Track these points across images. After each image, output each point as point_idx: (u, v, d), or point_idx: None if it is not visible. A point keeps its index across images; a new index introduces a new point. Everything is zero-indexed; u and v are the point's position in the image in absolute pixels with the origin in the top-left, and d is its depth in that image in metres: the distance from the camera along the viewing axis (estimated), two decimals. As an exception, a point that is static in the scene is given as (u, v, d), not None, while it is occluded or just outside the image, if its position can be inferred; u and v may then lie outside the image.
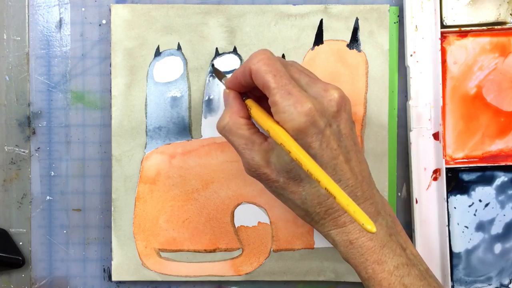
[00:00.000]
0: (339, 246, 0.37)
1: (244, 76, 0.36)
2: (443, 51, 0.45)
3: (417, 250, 0.38)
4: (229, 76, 0.39)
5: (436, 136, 0.45)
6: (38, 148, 0.46)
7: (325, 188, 0.31)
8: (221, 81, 0.42)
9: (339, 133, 0.35)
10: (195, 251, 0.45)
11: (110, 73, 0.45)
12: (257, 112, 0.37)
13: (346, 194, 0.31)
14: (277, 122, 0.34)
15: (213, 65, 0.44)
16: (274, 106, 0.34)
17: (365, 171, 0.37)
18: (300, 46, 0.45)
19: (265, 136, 0.37)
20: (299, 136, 0.34)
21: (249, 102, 0.38)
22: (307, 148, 0.34)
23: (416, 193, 0.45)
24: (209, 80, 0.45)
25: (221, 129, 0.37)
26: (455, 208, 0.45)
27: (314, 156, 0.34)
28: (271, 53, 0.36)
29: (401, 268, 0.35)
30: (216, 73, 0.43)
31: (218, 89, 0.45)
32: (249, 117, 0.38)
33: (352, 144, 0.36)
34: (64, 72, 0.46)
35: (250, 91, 0.39)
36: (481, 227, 0.46)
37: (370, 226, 0.30)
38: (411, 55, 0.44)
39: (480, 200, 0.46)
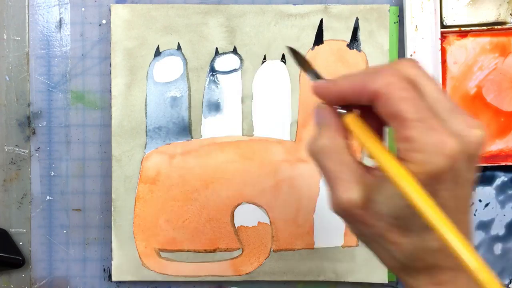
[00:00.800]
0: None
1: (358, 96, 0.28)
2: (443, 51, 0.45)
3: None
4: (321, 80, 0.30)
5: (436, 136, 0.45)
6: (38, 148, 0.46)
7: (455, 253, 0.25)
8: (306, 72, 0.32)
9: (470, 179, 0.28)
10: (195, 251, 0.45)
11: (110, 73, 0.45)
12: (365, 135, 0.28)
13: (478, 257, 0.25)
14: (401, 159, 0.27)
15: (292, 50, 0.32)
16: (408, 142, 0.26)
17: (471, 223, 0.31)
18: (300, 46, 0.45)
19: (369, 169, 0.29)
20: (430, 182, 0.26)
21: (351, 119, 0.29)
22: (433, 193, 0.26)
23: (416, 193, 0.45)
24: (209, 80, 0.45)
25: (317, 151, 0.29)
26: (455, 208, 0.45)
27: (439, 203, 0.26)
28: (415, 67, 0.28)
29: None
30: (298, 59, 0.33)
31: (218, 89, 0.45)
32: (348, 139, 0.30)
33: (471, 191, 0.29)
34: (64, 72, 0.46)
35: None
36: (481, 227, 0.46)
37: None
38: (411, 55, 0.44)
39: (480, 200, 0.46)
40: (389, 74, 0.27)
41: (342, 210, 0.29)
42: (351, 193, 0.28)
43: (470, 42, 0.45)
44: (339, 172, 0.28)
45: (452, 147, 0.26)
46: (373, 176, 0.28)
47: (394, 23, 0.45)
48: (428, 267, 0.29)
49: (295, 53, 0.33)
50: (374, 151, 0.28)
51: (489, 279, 0.24)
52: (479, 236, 0.46)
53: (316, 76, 0.31)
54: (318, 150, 0.29)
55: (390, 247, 0.28)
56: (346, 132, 0.29)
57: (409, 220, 0.27)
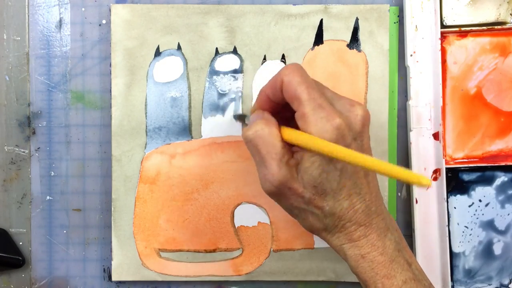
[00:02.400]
0: (350, 261, 0.37)
1: (273, 88, 0.36)
2: (443, 51, 0.45)
3: (420, 266, 0.38)
4: (248, 116, 0.40)
5: (436, 136, 0.45)
6: (38, 148, 0.46)
7: (374, 170, 0.33)
8: (244, 122, 0.43)
9: (361, 148, 0.36)
10: (195, 251, 0.45)
11: (110, 73, 0.45)
12: (288, 129, 0.36)
13: (394, 166, 0.32)
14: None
15: (235, 116, 0.45)
16: (304, 118, 0.34)
17: (377, 186, 0.38)
18: (300, 46, 0.45)
19: (291, 152, 0.36)
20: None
21: (284, 129, 0.37)
22: (334, 160, 0.34)
23: (416, 193, 0.45)
24: (209, 80, 0.45)
25: (253, 134, 0.36)
26: (455, 208, 0.45)
27: (340, 170, 0.35)
28: (301, 66, 0.36)
29: (409, 282, 0.36)
30: (238, 118, 0.44)
31: (218, 89, 0.45)
32: (280, 130, 0.37)
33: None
34: (64, 72, 0.46)
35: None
36: (481, 227, 0.46)
37: (425, 180, 0.31)
38: (411, 55, 0.44)
39: (480, 200, 0.46)
40: (292, 66, 0.35)
41: (275, 186, 0.35)
42: (283, 170, 0.35)
43: (470, 42, 0.45)
44: (271, 154, 0.35)
45: (338, 121, 0.34)
46: (294, 159, 0.36)
47: (394, 23, 0.45)
48: (344, 225, 0.36)
49: (235, 117, 0.45)
50: (296, 135, 0.35)
51: (418, 177, 0.31)
52: (479, 236, 0.46)
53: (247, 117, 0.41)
54: (254, 132, 0.36)
55: (315, 211, 0.36)
56: (277, 125, 0.36)
57: (323, 185, 0.35)
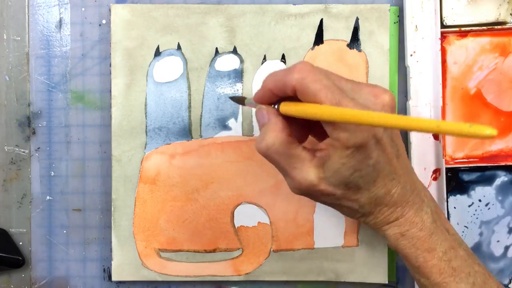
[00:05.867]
0: (389, 239, 0.37)
1: (283, 91, 0.34)
2: (443, 51, 0.45)
3: (454, 229, 0.39)
4: (249, 97, 0.38)
5: (436, 136, 0.45)
6: (38, 148, 0.46)
7: (417, 130, 0.28)
8: (244, 104, 0.40)
9: (391, 133, 0.35)
10: (195, 251, 0.45)
11: (110, 73, 0.45)
12: (287, 104, 0.34)
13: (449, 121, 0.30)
14: (337, 139, 0.33)
15: (231, 97, 0.42)
16: (332, 125, 0.32)
17: (407, 161, 0.37)
18: (300, 46, 0.45)
19: (313, 151, 0.35)
20: (360, 150, 0.33)
21: (284, 105, 0.35)
22: (366, 158, 0.33)
23: (416, 193, 0.45)
24: (209, 80, 0.45)
25: (265, 149, 0.34)
26: (454, 208, 0.45)
27: (373, 165, 0.34)
28: (312, 65, 0.33)
29: (449, 252, 0.37)
30: (236, 100, 0.42)
31: (218, 89, 0.45)
32: (292, 133, 0.35)
33: (400, 141, 0.36)
34: (64, 72, 0.46)
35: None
36: (481, 227, 0.46)
37: (489, 130, 0.25)
38: (411, 55, 0.44)
39: (480, 200, 0.46)
40: (303, 68, 0.33)
41: (303, 192, 0.35)
42: (307, 176, 0.34)
43: (470, 42, 0.45)
44: (290, 163, 0.34)
45: None
46: (318, 158, 0.34)
47: (394, 23, 0.45)
48: (381, 210, 0.36)
49: (233, 99, 0.42)
50: (315, 111, 0.32)
51: (481, 127, 0.26)
52: (479, 235, 0.46)
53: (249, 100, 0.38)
54: (267, 149, 0.34)
55: (350, 204, 0.36)
56: (287, 127, 0.34)
57: (356, 182, 0.34)
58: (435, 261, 0.36)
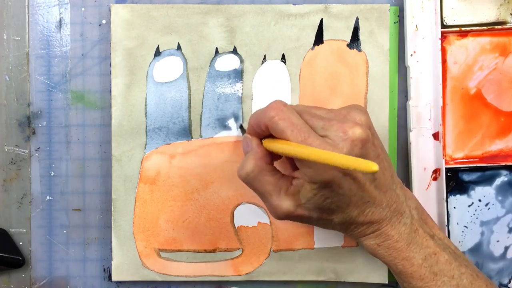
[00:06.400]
0: (368, 249, 0.39)
1: (259, 128, 0.37)
2: (443, 51, 0.45)
3: (443, 233, 0.40)
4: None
5: (436, 136, 0.45)
6: (38, 148, 0.46)
7: (325, 163, 0.31)
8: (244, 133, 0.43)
9: (377, 156, 0.36)
10: (195, 251, 0.45)
11: (110, 73, 0.45)
12: (269, 141, 0.37)
13: (341, 155, 0.31)
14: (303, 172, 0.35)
15: (241, 127, 0.45)
16: (300, 161, 0.35)
17: (388, 178, 0.38)
18: (300, 46, 0.45)
19: (290, 179, 0.37)
20: (327, 184, 0.34)
21: (267, 141, 0.37)
22: (336, 189, 0.35)
23: (416, 193, 0.45)
24: (209, 80, 0.45)
25: (245, 176, 0.37)
26: (454, 208, 0.45)
27: (343, 194, 0.35)
28: (284, 104, 0.36)
29: (429, 258, 0.37)
30: (241, 130, 0.45)
31: (218, 89, 0.45)
32: (272, 162, 0.38)
33: (384, 158, 0.37)
34: (64, 72, 0.46)
35: None
36: (480, 227, 0.46)
37: (374, 166, 0.29)
38: (411, 55, 0.44)
39: (479, 200, 0.46)
40: (273, 108, 0.35)
41: (283, 217, 0.37)
42: (284, 204, 0.36)
43: (470, 42, 0.45)
44: (268, 190, 0.36)
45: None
46: (294, 186, 0.36)
47: (394, 23, 0.45)
48: (356, 227, 0.38)
49: (241, 128, 0.45)
50: (284, 148, 0.34)
51: (363, 165, 0.29)
52: (479, 235, 0.46)
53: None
54: (246, 176, 0.36)
55: (327, 223, 0.38)
56: (267, 156, 0.37)
57: (329, 207, 0.36)
58: (415, 268, 0.37)
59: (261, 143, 0.38)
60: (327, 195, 0.35)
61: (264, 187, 0.36)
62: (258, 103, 0.45)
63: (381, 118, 0.45)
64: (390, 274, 0.46)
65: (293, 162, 0.38)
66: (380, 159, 0.37)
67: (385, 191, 0.37)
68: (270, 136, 0.37)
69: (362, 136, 0.34)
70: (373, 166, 0.29)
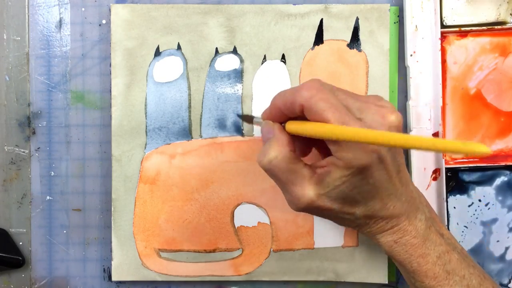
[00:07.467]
0: (384, 246, 0.38)
1: (289, 108, 0.34)
2: (443, 51, 0.45)
3: (449, 232, 0.40)
4: (257, 115, 0.39)
5: (436, 136, 0.45)
6: (38, 148, 0.46)
7: (413, 148, 0.29)
8: (252, 123, 0.41)
9: (395, 151, 0.35)
10: (195, 251, 0.45)
11: (110, 73, 0.45)
12: (293, 123, 0.34)
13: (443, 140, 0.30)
14: (339, 159, 0.33)
15: (239, 116, 0.44)
16: (337, 143, 0.33)
17: (407, 174, 0.37)
18: (300, 46, 0.45)
19: (313, 168, 0.35)
20: (362, 170, 0.33)
21: (290, 124, 0.35)
22: (367, 177, 0.34)
23: (416, 193, 0.45)
24: (209, 80, 0.45)
25: (267, 163, 0.35)
26: (454, 208, 0.45)
27: (373, 184, 0.34)
28: (321, 83, 0.34)
29: (443, 256, 0.37)
30: (244, 119, 0.43)
31: (218, 89, 0.45)
32: (295, 149, 0.36)
33: (401, 156, 0.36)
34: (64, 72, 0.46)
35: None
36: (480, 227, 0.46)
37: (483, 148, 0.26)
38: (411, 55, 0.44)
39: (479, 200, 0.46)
40: (311, 87, 0.33)
41: (303, 207, 0.35)
42: (307, 193, 0.34)
43: (470, 42, 0.45)
44: (291, 179, 0.35)
45: (373, 146, 0.32)
46: (318, 175, 0.34)
47: (394, 23, 0.45)
48: (376, 221, 0.37)
49: (241, 117, 0.44)
50: (321, 130, 0.32)
51: (474, 146, 0.27)
52: (479, 235, 0.46)
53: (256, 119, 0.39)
54: (268, 163, 0.35)
55: (347, 216, 0.36)
56: (290, 143, 0.35)
57: (354, 197, 0.35)
58: (429, 265, 0.37)
59: (284, 129, 0.36)
60: (356, 184, 0.34)
61: (287, 175, 0.35)
62: (258, 103, 0.45)
63: (381, 118, 0.45)
64: (390, 274, 0.46)
65: (319, 150, 0.37)
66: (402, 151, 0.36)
67: (406, 185, 0.37)
68: (292, 120, 0.35)
69: (398, 123, 0.33)
70: (483, 148, 0.26)
